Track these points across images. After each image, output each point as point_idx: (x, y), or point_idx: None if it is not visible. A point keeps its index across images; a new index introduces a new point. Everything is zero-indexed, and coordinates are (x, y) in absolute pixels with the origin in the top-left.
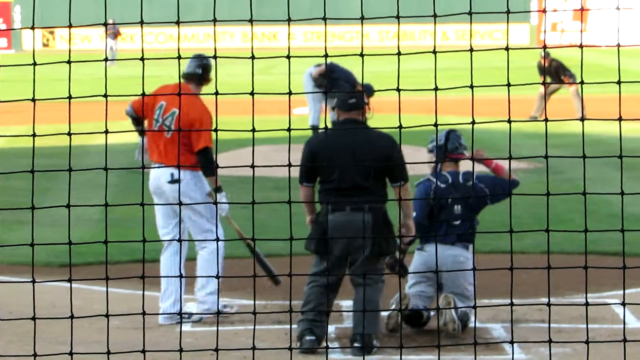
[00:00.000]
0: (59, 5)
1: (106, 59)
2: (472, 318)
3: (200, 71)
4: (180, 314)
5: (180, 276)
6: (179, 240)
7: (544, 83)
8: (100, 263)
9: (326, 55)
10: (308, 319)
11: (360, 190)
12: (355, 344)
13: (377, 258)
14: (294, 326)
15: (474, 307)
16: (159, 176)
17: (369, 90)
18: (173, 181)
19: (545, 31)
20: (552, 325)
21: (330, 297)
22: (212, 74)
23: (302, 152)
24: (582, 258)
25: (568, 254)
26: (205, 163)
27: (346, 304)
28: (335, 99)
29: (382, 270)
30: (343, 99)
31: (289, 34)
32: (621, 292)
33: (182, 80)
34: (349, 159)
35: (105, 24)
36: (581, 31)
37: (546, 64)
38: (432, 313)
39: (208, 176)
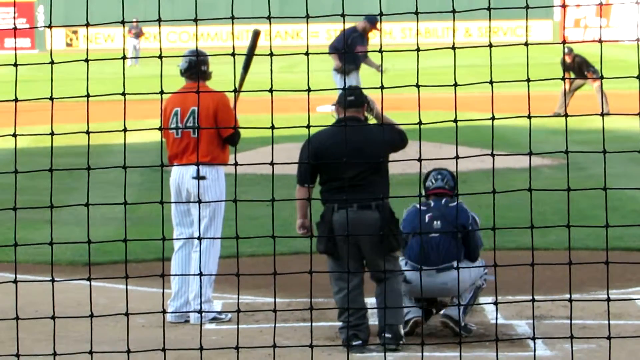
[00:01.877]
0: (83, 4)
1: (124, 57)
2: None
3: (206, 68)
4: (200, 311)
5: (200, 274)
6: (199, 238)
7: (563, 78)
8: (127, 261)
9: (345, 52)
10: (351, 324)
11: (366, 188)
12: (386, 334)
13: (388, 254)
14: (320, 323)
15: (496, 303)
16: (182, 173)
17: (372, 21)
18: (200, 177)
19: (564, 27)
20: (577, 321)
21: (360, 299)
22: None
23: (301, 151)
24: (605, 254)
25: (593, 250)
26: (236, 140)
27: (368, 301)
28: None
29: (397, 262)
30: (343, 96)
31: (307, 31)
32: None
33: (186, 78)
34: (354, 156)
35: (123, 22)
36: (600, 27)
37: (569, 60)
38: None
39: (235, 144)
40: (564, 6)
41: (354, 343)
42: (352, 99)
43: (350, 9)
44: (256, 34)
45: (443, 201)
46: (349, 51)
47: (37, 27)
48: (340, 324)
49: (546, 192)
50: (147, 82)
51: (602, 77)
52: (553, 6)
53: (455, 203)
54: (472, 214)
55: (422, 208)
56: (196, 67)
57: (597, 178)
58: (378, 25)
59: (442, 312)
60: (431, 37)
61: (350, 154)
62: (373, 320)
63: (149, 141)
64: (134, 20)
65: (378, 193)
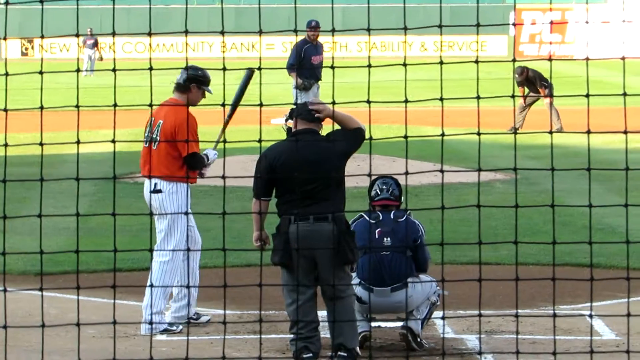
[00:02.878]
0: (39, 14)
1: (78, 70)
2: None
3: (181, 81)
4: (151, 323)
5: (152, 286)
6: (150, 250)
7: (512, 96)
8: (78, 271)
9: (298, 67)
10: (302, 337)
11: (323, 200)
12: (341, 353)
13: (342, 268)
14: (271, 335)
15: (443, 318)
16: (146, 186)
17: (307, 25)
18: (155, 191)
19: (515, 45)
20: (527, 336)
21: (312, 311)
22: (198, 84)
23: (257, 166)
24: (558, 269)
25: (544, 265)
26: (193, 164)
27: (320, 314)
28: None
29: (349, 278)
30: (305, 109)
31: (260, 45)
32: (597, 304)
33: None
34: (310, 168)
35: (77, 35)
36: (551, 43)
37: (521, 78)
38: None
39: (196, 170)
40: (515, 24)
41: (304, 356)
42: (308, 112)
43: (306, 23)
44: (250, 74)
45: (392, 215)
46: (306, 63)
47: None
48: (291, 336)
49: (498, 207)
50: (101, 93)
51: (552, 95)
52: (501, 24)
53: (404, 218)
54: (420, 227)
55: (371, 221)
56: (182, 82)
57: (549, 193)
58: (313, 24)
59: (402, 323)
60: (387, 50)
61: (306, 166)
62: (324, 332)
63: (102, 151)
64: (88, 31)
65: (334, 205)
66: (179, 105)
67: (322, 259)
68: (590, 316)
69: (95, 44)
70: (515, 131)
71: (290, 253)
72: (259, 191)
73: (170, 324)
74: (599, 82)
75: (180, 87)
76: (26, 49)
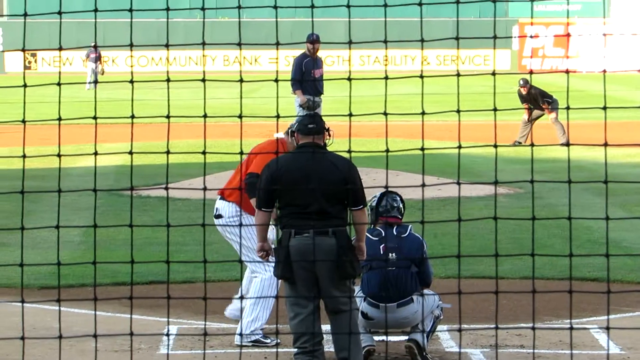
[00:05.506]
0: (42, 27)
1: (96, 82)
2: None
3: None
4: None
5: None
6: (167, 262)
7: (528, 109)
8: (81, 285)
9: (301, 82)
10: (306, 350)
11: (323, 215)
12: None
13: (343, 282)
14: (278, 349)
15: (460, 330)
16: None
17: (307, 38)
18: (217, 216)
19: (519, 59)
20: (532, 350)
21: (316, 324)
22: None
23: (261, 176)
24: (562, 283)
25: (548, 280)
26: (246, 186)
27: (324, 328)
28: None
29: (351, 292)
30: (303, 123)
31: (236, 57)
32: (600, 317)
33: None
34: (312, 183)
35: (95, 46)
36: (567, 57)
37: (524, 92)
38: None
39: (248, 194)
40: (530, 36)
41: None
42: (313, 127)
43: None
44: None
45: (395, 231)
46: (306, 77)
47: None
48: (295, 350)
49: (501, 221)
50: (104, 106)
51: (568, 107)
52: (513, 37)
53: (407, 233)
54: (423, 241)
55: (374, 238)
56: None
57: (552, 207)
58: (313, 37)
59: (408, 336)
60: (390, 64)
61: (308, 180)
62: (329, 346)
63: (104, 164)
64: (93, 44)
65: (335, 220)
66: (271, 143)
67: (322, 272)
68: (607, 329)
69: (99, 58)
70: (531, 145)
71: (291, 266)
72: (260, 202)
73: (265, 336)
74: (600, 97)
75: (289, 134)
76: (29, 62)
